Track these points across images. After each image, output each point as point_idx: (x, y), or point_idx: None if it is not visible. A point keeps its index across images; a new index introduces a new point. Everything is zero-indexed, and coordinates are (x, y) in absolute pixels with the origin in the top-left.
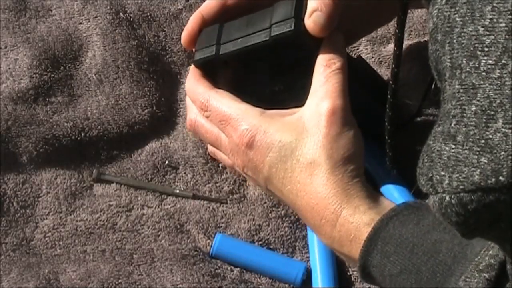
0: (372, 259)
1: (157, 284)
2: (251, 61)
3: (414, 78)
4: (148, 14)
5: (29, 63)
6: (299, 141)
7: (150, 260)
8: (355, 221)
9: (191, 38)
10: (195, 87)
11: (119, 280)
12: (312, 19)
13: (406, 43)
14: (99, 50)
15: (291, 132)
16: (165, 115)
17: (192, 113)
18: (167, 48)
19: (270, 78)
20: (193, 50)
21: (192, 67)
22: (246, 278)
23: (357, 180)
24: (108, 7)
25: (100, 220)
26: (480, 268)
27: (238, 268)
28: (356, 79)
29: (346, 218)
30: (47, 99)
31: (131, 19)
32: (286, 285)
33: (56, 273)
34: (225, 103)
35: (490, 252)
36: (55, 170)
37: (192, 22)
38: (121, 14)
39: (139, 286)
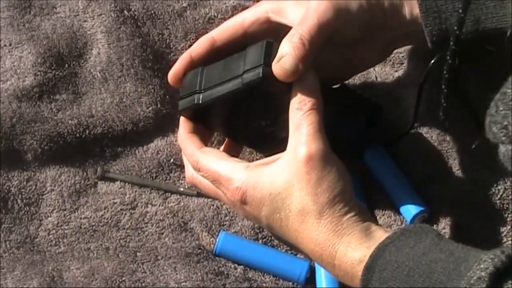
0: (372, 287)
1: (160, 282)
2: (233, 103)
3: (409, 78)
4: (153, 12)
5: (34, 60)
6: (286, 191)
7: (153, 258)
8: (349, 260)
9: (177, 79)
10: (184, 147)
11: (123, 278)
12: (279, 66)
13: None
14: (104, 48)
15: (278, 183)
16: (170, 112)
17: (189, 170)
18: (171, 46)
19: (255, 116)
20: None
21: (181, 118)
22: (250, 276)
23: (348, 217)
24: (113, 5)
25: (104, 218)
26: (472, 282)
27: (242, 266)
28: (340, 109)
29: (340, 258)
30: (51, 97)
31: (136, 17)
32: (290, 283)
33: (60, 270)
34: (212, 163)
35: (481, 266)
36: (60, 167)
37: (180, 62)
38: (125, 12)
39: (143, 284)
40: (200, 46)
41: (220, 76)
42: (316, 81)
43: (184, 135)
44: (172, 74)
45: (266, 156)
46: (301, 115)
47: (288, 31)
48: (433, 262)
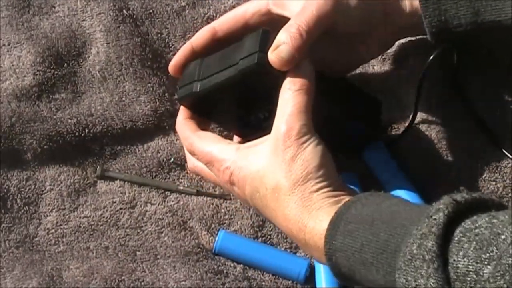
0: (336, 243)
1: (160, 281)
2: (231, 92)
3: (409, 76)
4: (151, 11)
5: (33, 60)
6: (264, 169)
7: (153, 257)
8: (317, 232)
9: (177, 69)
10: (181, 131)
11: (122, 277)
12: (275, 54)
13: (399, 42)
14: (103, 47)
15: (258, 162)
16: (169, 110)
17: (190, 160)
18: (170, 45)
19: (253, 107)
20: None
21: (181, 106)
22: (249, 275)
23: (320, 193)
24: (112, 4)
25: (103, 217)
26: (430, 215)
27: (241, 265)
28: (339, 100)
29: (310, 232)
30: (50, 96)
31: (134, 16)
32: (289, 282)
33: (59, 270)
34: (206, 145)
35: (441, 201)
36: (59, 167)
37: (181, 53)
38: (124, 11)
39: (142, 283)
40: (201, 36)
41: (218, 65)
42: (310, 68)
43: (181, 120)
44: (173, 64)
45: None
46: (289, 94)
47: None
48: (396, 212)
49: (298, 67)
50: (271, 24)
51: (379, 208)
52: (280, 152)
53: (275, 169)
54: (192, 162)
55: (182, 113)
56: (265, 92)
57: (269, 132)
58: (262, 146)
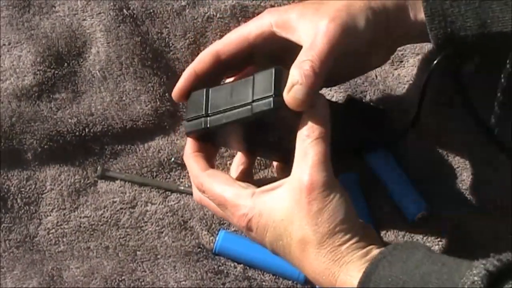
0: None
1: (160, 281)
2: (241, 127)
3: (409, 76)
4: (152, 10)
5: (33, 59)
6: (288, 219)
7: (153, 257)
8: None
9: (181, 95)
10: (190, 168)
11: (123, 277)
12: (291, 95)
13: None
14: (103, 47)
15: (280, 210)
16: (170, 110)
17: (196, 192)
18: (170, 44)
19: (264, 134)
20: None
21: (188, 138)
22: (250, 275)
23: (348, 244)
24: (112, 4)
25: (104, 217)
26: (466, 287)
27: (242, 265)
28: (347, 123)
29: (340, 286)
30: (51, 96)
31: (135, 16)
32: (289, 282)
33: (59, 269)
34: (217, 187)
35: (474, 271)
36: (59, 166)
37: (184, 79)
38: (124, 10)
39: (142, 283)
40: (203, 61)
41: (228, 101)
42: (327, 110)
43: (190, 154)
44: (177, 90)
45: (271, 160)
46: (308, 143)
47: (294, 46)
48: (426, 274)
49: (315, 109)
50: (277, 45)
51: (407, 268)
52: (304, 205)
53: (301, 221)
54: (198, 195)
55: (190, 146)
56: (276, 126)
57: (278, 153)
58: (281, 192)
